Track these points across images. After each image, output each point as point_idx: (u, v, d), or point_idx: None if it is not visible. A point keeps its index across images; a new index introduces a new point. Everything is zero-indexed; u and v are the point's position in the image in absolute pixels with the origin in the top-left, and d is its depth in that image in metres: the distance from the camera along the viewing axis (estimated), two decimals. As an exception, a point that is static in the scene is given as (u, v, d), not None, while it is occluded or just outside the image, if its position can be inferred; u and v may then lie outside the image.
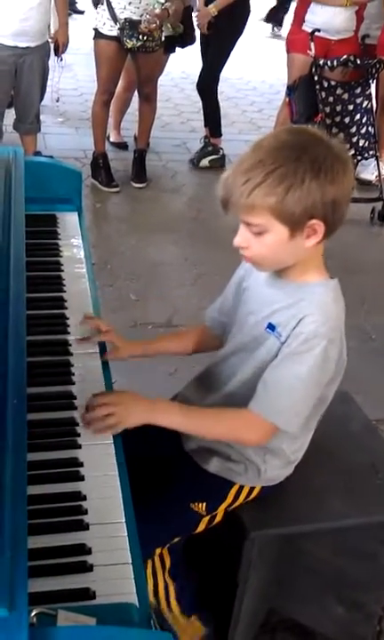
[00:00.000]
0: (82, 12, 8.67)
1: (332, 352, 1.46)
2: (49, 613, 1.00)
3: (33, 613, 0.98)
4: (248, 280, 1.64)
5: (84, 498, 1.29)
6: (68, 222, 2.23)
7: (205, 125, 5.65)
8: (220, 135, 5.63)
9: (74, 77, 7.06)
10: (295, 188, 1.33)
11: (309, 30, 4.88)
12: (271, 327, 1.50)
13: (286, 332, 1.47)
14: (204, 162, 5.45)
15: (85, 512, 1.26)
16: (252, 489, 1.68)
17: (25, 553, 1.00)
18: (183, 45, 5.34)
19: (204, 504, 1.65)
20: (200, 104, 6.21)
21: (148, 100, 4.96)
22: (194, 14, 5.14)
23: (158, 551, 1.67)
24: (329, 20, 4.84)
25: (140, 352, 1.82)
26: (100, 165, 4.93)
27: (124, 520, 1.26)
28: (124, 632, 0.98)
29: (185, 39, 5.24)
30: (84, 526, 1.23)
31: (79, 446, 1.40)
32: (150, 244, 4.29)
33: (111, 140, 5.44)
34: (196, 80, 5.62)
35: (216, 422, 1.57)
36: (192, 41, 5.55)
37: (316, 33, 4.85)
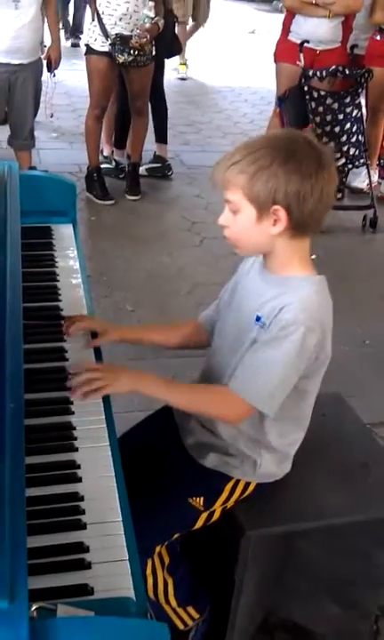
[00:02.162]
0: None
1: (310, 340, 1.52)
2: (48, 608, 1.03)
3: (33, 608, 1.01)
4: (244, 277, 1.72)
5: (82, 498, 1.32)
6: (63, 234, 2.27)
7: (158, 141, 5.66)
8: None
9: (67, 93, 7.13)
10: (263, 170, 1.46)
11: (295, 40, 4.94)
12: (258, 319, 1.58)
13: (269, 322, 1.54)
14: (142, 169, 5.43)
15: (83, 512, 1.30)
16: (247, 485, 1.72)
17: (24, 547, 1.04)
18: (169, 56, 5.41)
19: (202, 499, 1.70)
20: (192, 117, 6.29)
21: (141, 113, 5.02)
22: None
23: (158, 549, 1.71)
24: (313, 31, 4.89)
25: (118, 338, 1.87)
26: (94, 179, 4.99)
27: (120, 519, 1.29)
28: (121, 622, 1.01)
29: (171, 50, 5.31)
30: (81, 526, 1.27)
31: (76, 449, 1.44)
32: (145, 255, 4.33)
33: (104, 153, 5.50)
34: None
35: (196, 395, 1.66)
36: (178, 51, 5.64)
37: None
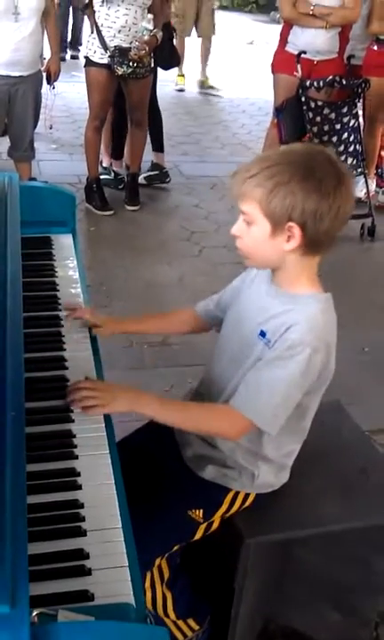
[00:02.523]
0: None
1: (316, 360, 1.52)
2: (49, 613, 1.04)
3: (34, 613, 1.02)
4: (250, 286, 1.72)
5: (82, 506, 1.33)
6: (63, 244, 2.29)
7: (155, 149, 5.68)
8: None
9: (66, 105, 7.17)
10: (281, 186, 1.45)
11: (292, 51, 4.98)
12: (262, 334, 1.58)
13: (274, 339, 1.54)
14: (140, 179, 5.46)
15: (83, 519, 1.30)
16: (247, 496, 1.73)
17: (25, 553, 1.05)
18: (167, 67, 5.45)
19: (201, 511, 1.70)
20: (191, 128, 6.32)
21: (140, 125, 5.05)
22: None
23: (157, 562, 1.71)
24: (310, 42, 4.93)
25: (118, 332, 1.92)
26: (93, 190, 5.01)
27: (120, 526, 1.30)
28: (121, 626, 1.03)
29: (170, 61, 5.35)
30: (81, 532, 1.28)
31: (76, 457, 1.45)
32: (144, 265, 4.35)
33: (104, 164, 5.53)
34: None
35: (194, 414, 1.65)
36: (177, 63, 5.67)
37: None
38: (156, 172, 5.58)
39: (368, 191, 5.09)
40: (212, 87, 8.49)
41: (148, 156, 5.52)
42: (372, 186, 5.42)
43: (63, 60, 8.85)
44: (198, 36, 8.32)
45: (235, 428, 1.59)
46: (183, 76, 8.45)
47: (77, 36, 8.97)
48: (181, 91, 8.41)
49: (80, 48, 9.03)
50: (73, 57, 8.90)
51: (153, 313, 2.98)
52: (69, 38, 9.08)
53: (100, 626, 1.01)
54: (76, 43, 9.02)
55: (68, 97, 6.98)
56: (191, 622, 1.85)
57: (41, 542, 1.23)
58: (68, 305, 1.91)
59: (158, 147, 5.61)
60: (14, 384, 1.39)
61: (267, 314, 1.59)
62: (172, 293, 4.02)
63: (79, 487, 1.38)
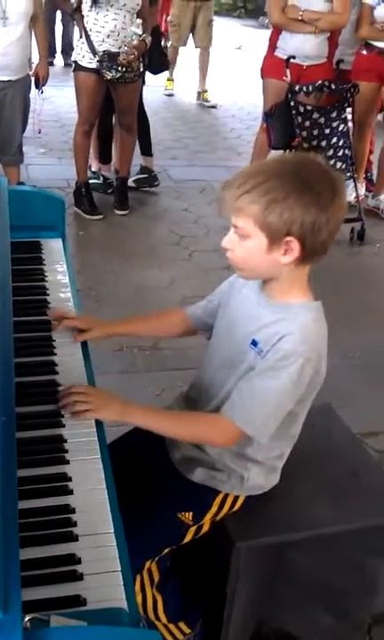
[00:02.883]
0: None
1: (308, 370, 1.52)
2: (41, 618, 1.04)
3: (26, 619, 1.02)
4: (240, 291, 1.70)
5: (73, 511, 1.33)
6: (53, 248, 2.28)
7: (144, 153, 5.70)
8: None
9: (55, 109, 7.17)
10: (277, 202, 1.43)
11: (281, 56, 5.00)
12: (254, 343, 1.57)
13: (266, 349, 1.53)
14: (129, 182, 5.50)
15: (75, 524, 1.30)
16: (236, 498, 1.73)
17: (17, 559, 1.05)
18: (156, 72, 5.46)
19: (191, 514, 1.70)
20: (180, 132, 6.32)
21: (129, 130, 5.05)
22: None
23: (147, 565, 1.71)
24: (299, 47, 4.95)
25: (107, 336, 1.91)
26: (82, 194, 5.02)
27: (112, 530, 1.30)
28: (113, 631, 1.02)
29: (160, 66, 5.36)
30: (73, 537, 1.27)
31: (67, 462, 1.44)
32: (134, 269, 4.35)
33: (92, 169, 5.53)
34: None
35: (185, 424, 1.65)
36: (165, 68, 5.69)
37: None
38: (146, 176, 5.60)
39: (357, 195, 5.10)
40: (208, 100, 8.38)
41: (137, 159, 5.52)
42: (362, 190, 5.44)
43: (51, 64, 8.89)
44: (196, 47, 8.26)
45: (225, 437, 1.59)
46: (172, 80, 8.49)
47: (69, 41, 8.94)
48: (170, 95, 8.45)
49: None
50: (67, 64, 8.82)
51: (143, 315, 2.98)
52: (61, 45, 9.05)
53: (92, 631, 1.01)
54: (69, 49, 8.99)
55: (57, 101, 6.98)
56: (182, 625, 1.84)
57: (32, 548, 1.22)
58: (55, 314, 1.88)
59: (146, 150, 5.62)
60: (4, 389, 1.39)
61: (258, 323, 1.58)
62: (162, 298, 4.02)
63: (71, 492, 1.37)
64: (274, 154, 4.93)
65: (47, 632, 0.98)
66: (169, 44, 7.74)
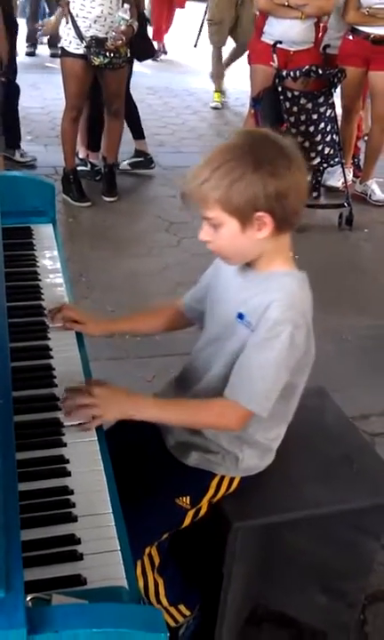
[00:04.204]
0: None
1: (299, 337, 1.53)
2: (43, 598, 1.05)
3: (28, 598, 1.03)
4: (221, 272, 1.72)
5: (72, 492, 1.34)
6: (43, 234, 2.29)
7: (136, 138, 5.69)
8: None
9: (41, 96, 7.13)
10: (237, 182, 1.44)
11: (268, 41, 4.98)
12: (240, 316, 1.58)
13: (255, 320, 1.54)
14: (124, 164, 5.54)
15: (73, 505, 1.31)
16: (232, 480, 1.74)
17: (18, 539, 1.05)
18: (141, 58, 5.43)
19: (188, 498, 1.71)
20: (167, 119, 6.30)
21: (116, 115, 5.03)
22: None
23: (148, 550, 1.71)
24: (286, 32, 4.94)
25: (107, 333, 1.91)
26: (70, 181, 5.00)
27: (110, 511, 1.31)
28: (116, 608, 1.03)
29: (146, 52, 5.33)
30: (72, 518, 1.28)
31: (64, 444, 1.45)
32: (124, 255, 4.35)
33: (80, 156, 5.50)
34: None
35: (194, 412, 1.64)
36: (152, 54, 5.65)
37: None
38: (141, 159, 5.62)
39: (345, 181, 5.11)
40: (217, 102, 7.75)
41: (130, 146, 5.52)
42: (349, 175, 5.44)
43: (33, 54, 8.86)
44: (236, 42, 7.48)
45: (237, 420, 1.59)
46: (221, 92, 7.79)
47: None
48: (217, 108, 7.66)
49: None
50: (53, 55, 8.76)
51: (138, 309, 2.99)
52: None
53: (95, 608, 1.01)
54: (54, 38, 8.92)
55: (43, 88, 6.94)
56: (182, 608, 1.86)
57: (32, 529, 1.23)
58: (52, 309, 1.86)
59: (138, 134, 5.63)
60: (1, 372, 1.40)
61: (243, 295, 1.60)
62: (152, 283, 4.02)
63: (68, 474, 1.38)
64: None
65: (50, 610, 0.99)
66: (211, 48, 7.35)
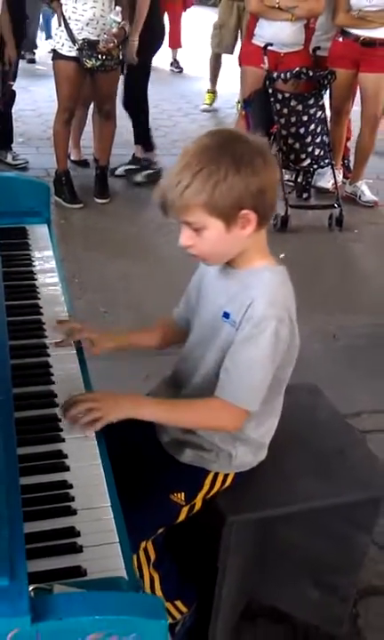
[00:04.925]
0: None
1: (283, 331, 1.56)
2: (45, 588, 1.07)
3: (30, 589, 1.05)
4: (204, 275, 1.75)
5: (71, 486, 1.36)
6: (38, 234, 2.31)
7: (137, 142, 5.71)
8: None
9: (32, 98, 7.15)
10: (220, 184, 1.46)
11: (259, 44, 5.03)
12: (226, 315, 1.61)
13: (239, 318, 1.57)
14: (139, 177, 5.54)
15: (72, 499, 1.33)
16: (226, 476, 1.77)
17: (21, 529, 1.08)
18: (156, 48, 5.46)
19: (183, 494, 1.73)
20: (158, 121, 6.32)
21: (108, 117, 5.06)
22: None
23: (143, 545, 1.73)
24: (277, 34, 4.98)
25: (114, 346, 1.90)
26: (62, 183, 5.02)
27: (109, 504, 1.34)
28: (117, 596, 1.06)
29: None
30: (72, 511, 1.31)
31: (63, 440, 1.48)
32: (116, 257, 4.37)
33: (72, 158, 5.53)
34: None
35: (191, 413, 1.66)
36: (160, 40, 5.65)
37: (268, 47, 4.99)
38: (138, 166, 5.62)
39: (336, 182, 5.15)
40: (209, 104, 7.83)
41: (116, 149, 5.53)
42: (339, 177, 5.48)
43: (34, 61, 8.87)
44: None
45: (232, 420, 1.62)
46: (213, 93, 7.81)
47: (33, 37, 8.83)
48: (208, 111, 7.76)
49: (36, 51, 9.04)
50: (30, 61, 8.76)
51: (130, 309, 2.98)
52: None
53: (97, 595, 1.04)
54: (32, 46, 8.90)
55: (35, 91, 6.96)
56: (179, 604, 1.88)
57: (33, 522, 1.25)
58: (62, 327, 1.84)
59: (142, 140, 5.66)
60: (1, 370, 1.42)
61: (227, 294, 1.62)
62: (145, 285, 4.05)
63: (67, 469, 1.40)
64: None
65: (53, 598, 1.02)
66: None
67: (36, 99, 7.08)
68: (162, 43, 5.66)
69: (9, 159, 5.48)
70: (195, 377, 1.73)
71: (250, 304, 1.55)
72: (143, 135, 5.67)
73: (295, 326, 1.62)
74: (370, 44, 5.05)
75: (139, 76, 5.32)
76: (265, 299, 1.55)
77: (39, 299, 1.97)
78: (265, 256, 1.63)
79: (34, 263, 2.15)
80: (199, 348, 1.72)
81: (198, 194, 1.47)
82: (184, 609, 1.90)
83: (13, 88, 5.32)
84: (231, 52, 7.05)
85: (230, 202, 1.48)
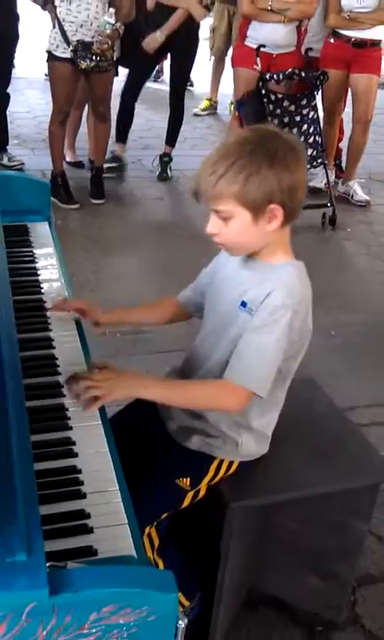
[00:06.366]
0: None
1: (296, 322, 1.61)
2: (59, 566, 1.11)
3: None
4: (221, 266, 1.80)
5: (80, 471, 1.41)
6: (40, 231, 2.36)
7: (170, 142, 5.79)
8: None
9: (26, 101, 7.18)
10: (254, 176, 1.52)
11: (252, 45, 5.08)
12: (243, 304, 1.66)
13: (256, 307, 1.62)
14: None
15: (82, 483, 1.38)
16: (230, 463, 1.81)
17: (36, 508, 1.12)
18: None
19: (189, 479, 1.78)
20: (152, 122, 6.36)
21: (103, 118, 5.10)
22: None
23: (147, 530, 1.77)
24: (269, 36, 5.03)
25: (117, 321, 1.98)
26: (58, 184, 5.05)
27: (117, 487, 1.39)
28: (131, 570, 1.11)
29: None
30: (81, 495, 1.35)
31: (70, 428, 1.52)
32: (113, 256, 4.42)
33: (67, 159, 5.57)
34: (147, 97, 5.77)
35: (196, 392, 1.70)
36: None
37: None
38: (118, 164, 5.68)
39: (328, 182, 5.21)
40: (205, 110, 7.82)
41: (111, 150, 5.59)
42: (332, 176, 5.54)
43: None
44: None
45: (237, 401, 1.65)
46: (211, 100, 7.86)
47: None
48: (197, 115, 7.69)
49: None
50: None
51: (125, 305, 3.01)
52: None
53: (111, 569, 1.09)
54: None
55: (29, 93, 6.99)
56: (181, 598, 1.91)
57: (44, 505, 1.29)
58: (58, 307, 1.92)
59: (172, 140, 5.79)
60: (11, 362, 1.46)
61: (246, 285, 1.67)
62: (142, 285, 4.09)
63: (76, 455, 1.45)
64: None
65: (69, 572, 1.06)
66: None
67: (30, 101, 7.11)
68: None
69: (5, 160, 5.51)
70: (207, 364, 1.77)
71: (269, 293, 1.60)
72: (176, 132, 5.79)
73: (309, 315, 1.67)
74: (361, 44, 5.13)
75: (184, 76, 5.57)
76: (284, 290, 1.60)
77: (43, 294, 2.02)
78: (287, 251, 1.68)
79: (36, 259, 2.20)
80: (212, 336, 1.76)
81: (231, 184, 1.53)
82: (186, 602, 1.93)
83: (7, 91, 5.37)
84: (223, 56, 7.15)
85: (261, 194, 1.53)
